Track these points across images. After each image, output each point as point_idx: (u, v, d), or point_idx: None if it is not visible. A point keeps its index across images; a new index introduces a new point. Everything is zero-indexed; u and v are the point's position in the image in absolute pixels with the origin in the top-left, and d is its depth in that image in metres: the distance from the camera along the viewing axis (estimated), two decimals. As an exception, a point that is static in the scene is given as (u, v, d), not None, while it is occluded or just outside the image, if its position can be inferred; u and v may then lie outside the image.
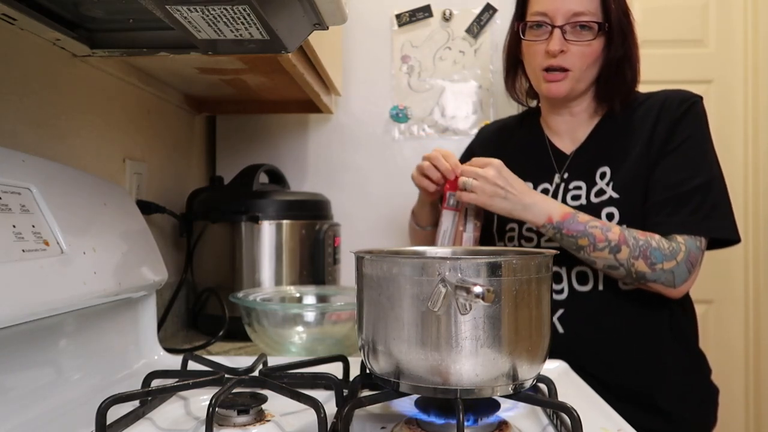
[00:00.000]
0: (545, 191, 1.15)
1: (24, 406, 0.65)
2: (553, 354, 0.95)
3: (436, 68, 1.54)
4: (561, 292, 1.11)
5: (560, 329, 1.10)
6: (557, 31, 1.06)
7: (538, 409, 0.70)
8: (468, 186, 1.04)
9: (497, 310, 0.57)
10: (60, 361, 0.73)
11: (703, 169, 1.04)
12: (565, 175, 1.14)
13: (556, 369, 0.89)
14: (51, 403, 0.69)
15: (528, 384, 0.61)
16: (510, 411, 0.65)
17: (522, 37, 1.12)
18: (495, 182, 1.02)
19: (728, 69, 1.97)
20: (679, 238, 1.01)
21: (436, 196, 1.17)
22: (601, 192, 1.09)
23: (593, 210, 1.07)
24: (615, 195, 1.07)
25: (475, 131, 1.53)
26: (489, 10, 1.52)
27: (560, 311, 1.10)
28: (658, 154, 1.06)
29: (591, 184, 1.11)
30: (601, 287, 1.09)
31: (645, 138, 1.07)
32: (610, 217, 1.06)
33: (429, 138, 1.54)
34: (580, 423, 0.56)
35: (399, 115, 1.55)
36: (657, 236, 1.01)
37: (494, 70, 1.52)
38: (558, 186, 1.14)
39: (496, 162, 1.04)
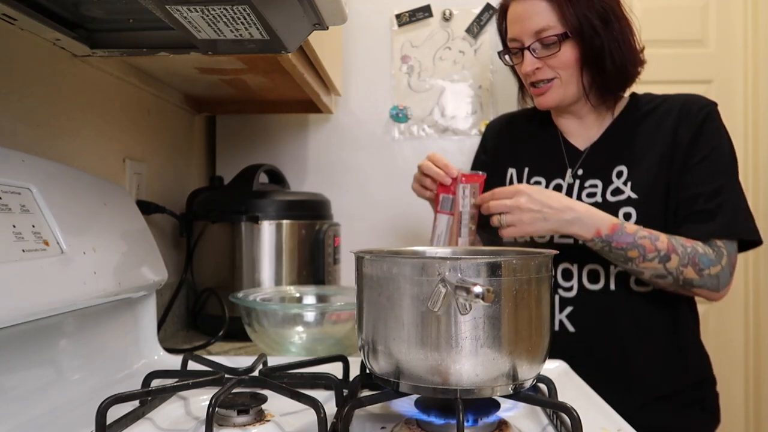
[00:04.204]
0: (558, 187, 1.15)
1: (24, 406, 0.65)
2: (562, 353, 0.96)
3: (436, 68, 1.54)
4: (570, 289, 1.11)
5: (570, 328, 1.10)
6: (526, 53, 1.09)
7: (538, 409, 0.70)
8: (503, 222, 1.03)
9: (497, 310, 0.57)
10: (60, 361, 0.73)
11: (730, 175, 1.06)
12: (579, 172, 1.14)
13: (556, 369, 0.89)
14: (51, 403, 0.69)
15: (528, 384, 0.61)
16: (510, 411, 0.65)
17: (508, 64, 1.17)
18: (529, 207, 1.01)
19: (728, 69, 1.97)
20: (719, 242, 1.03)
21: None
22: (618, 191, 1.09)
23: (610, 209, 1.07)
24: (633, 195, 1.07)
25: (475, 131, 1.53)
26: (489, 10, 1.52)
27: (569, 309, 1.10)
28: (684, 162, 1.06)
29: (607, 182, 1.10)
30: (612, 287, 1.09)
31: (666, 141, 1.08)
32: (627, 216, 1.06)
33: (429, 138, 1.54)
34: (580, 423, 0.56)
35: (399, 115, 1.55)
36: (699, 242, 1.02)
37: (494, 70, 1.52)
38: (572, 183, 1.14)
39: (523, 187, 1.03)
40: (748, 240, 1.06)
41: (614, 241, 1.00)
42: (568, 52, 1.07)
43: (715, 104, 1.10)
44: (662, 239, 1.00)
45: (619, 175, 1.10)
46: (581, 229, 1.01)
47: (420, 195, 1.17)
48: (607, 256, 1.03)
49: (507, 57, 1.16)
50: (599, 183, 1.11)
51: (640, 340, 1.08)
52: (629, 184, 1.08)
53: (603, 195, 1.10)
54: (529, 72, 1.09)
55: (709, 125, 1.07)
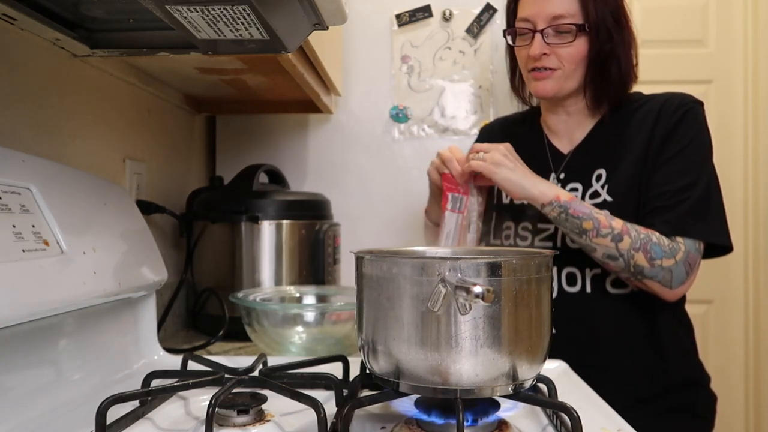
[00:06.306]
0: None
1: (24, 406, 0.65)
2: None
3: (436, 68, 1.54)
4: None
5: (552, 329, 1.09)
6: (538, 36, 1.07)
7: (538, 409, 0.70)
8: (478, 156, 1.06)
9: (497, 310, 0.57)
10: (60, 361, 0.73)
11: (701, 177, 1.03)
12: (562, 176, 1.14)
13: (556, 369, 0.89)
14: (51, 403, 0.69)
15: (528, 384, 0.61)
16: (510, 411, 0.65)
17: (512, 43, 1.14)
18: (504, 154, 1.05)
19: (728, 69, 1.97)
20: (679, 239, 1.01)
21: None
22: (595, 194, 1.09)
23: None
24: (609, 198, 1.07)
25: (475, 131, 1.53)
26: (489, 10, 1.52)
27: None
28: (655, 161, 1.06)
29: (587, 185, 1.10)
30: (588, 290, 1.09)
31: (642, 142, 1.07)
32: None
33: (429, 138, 1.54)
34: (580, 423, 0.56)
35: (399, 115, 1.55)
36: (657, 233, 1.01)
37: (494, 70, 1.52)
38: None
39: (502, 145, 1.07)
40: (717, 245, 1.04)
41: (571, 208, 1.01)
42: (580, 45, 1.06)
43: (698, 103, 1.08)
44: (618, 220, 1.01)
45: (598, 178, 1.10)
46: (542, 192, 1.02)
47: (433, 180, 1.17)
48: (563, 226, 1.02)
49: (510, 37, 1.14)
50: (580, 186, 1.11)
51: (616, 343, 1.07)
52: (606, 187, 1.08)
53: (582, 199, 1.10)
54: (536, 55, 1.07)
55: (685, 124, 1.05)
